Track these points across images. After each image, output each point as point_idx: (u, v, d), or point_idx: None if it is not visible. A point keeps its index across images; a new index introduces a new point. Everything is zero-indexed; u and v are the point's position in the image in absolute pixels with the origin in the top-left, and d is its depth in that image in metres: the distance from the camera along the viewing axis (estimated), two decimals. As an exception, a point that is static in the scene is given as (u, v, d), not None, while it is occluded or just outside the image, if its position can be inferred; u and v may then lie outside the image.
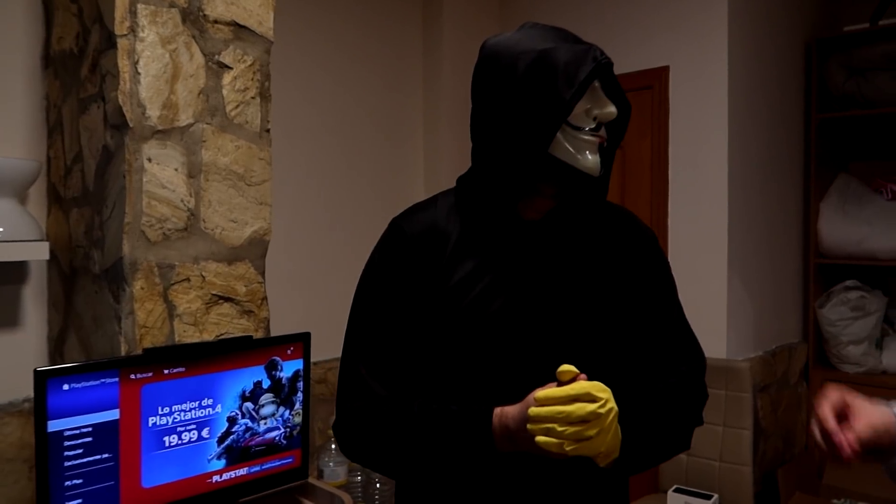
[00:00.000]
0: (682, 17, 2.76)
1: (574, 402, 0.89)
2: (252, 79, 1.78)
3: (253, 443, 1.60)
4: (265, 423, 1.62)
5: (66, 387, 1.30)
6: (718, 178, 2.68)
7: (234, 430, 1.57)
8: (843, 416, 0.85)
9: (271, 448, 1.64)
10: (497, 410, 0.97)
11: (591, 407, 0.88)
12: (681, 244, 2.75)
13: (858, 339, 2.99)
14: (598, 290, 1.07)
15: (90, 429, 1.34)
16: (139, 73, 1.56)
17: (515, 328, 1.03)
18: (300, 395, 1.68)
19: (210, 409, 1.53)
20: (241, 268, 1.75)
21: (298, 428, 1.68)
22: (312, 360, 2.31)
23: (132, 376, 1.40)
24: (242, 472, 1.59)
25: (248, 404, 1.59)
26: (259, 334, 1.77)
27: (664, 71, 2.81)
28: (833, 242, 3.10)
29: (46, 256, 1.67)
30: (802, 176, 3.23)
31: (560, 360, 0.96)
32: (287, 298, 2.48)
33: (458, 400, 1.02)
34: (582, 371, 0.94)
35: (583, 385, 0.90)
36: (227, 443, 1.56)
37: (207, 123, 1.68)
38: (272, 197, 1.83)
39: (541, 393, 0.91)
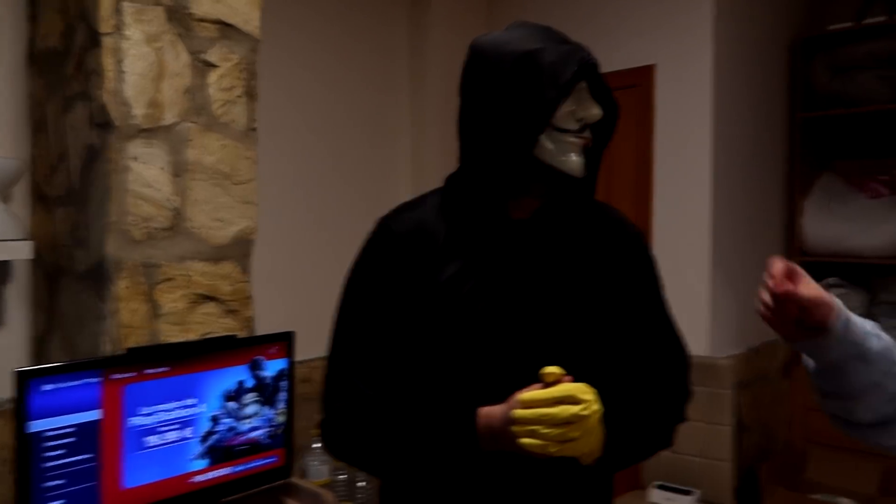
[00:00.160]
0: (667, 16, 2.77)
1: (558, 403, 0.90)
2: (238, 77, 1.78)
3: (236, 442, 1.61)
4: (248, 423, 1.63)
5: (47, 387, 1.30)
6: (702, 177, 2.71)
7: (217, 429, 1.58)
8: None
9: (255, 447, 1.65)
10: (482, 411, 0.98)
11: (575, 409, 0.90)
12: (665, 242, 2.77)
13: (840, 336, 3.02)
14: (585, 289, 1.07)
15: (72, 429, 1.34)
16: (124, 72, 1.56)
17: (502, 327, 1.04)
18: (284, 394, 1.69)
19: (193, 409, 1.53)
20: (226, 267, 1.75)
21: (282, 427, 1.69)
22: (297, 359, 2.31)
23: (114, 376, 1.40)
24: (225, 471, 1.60)
25: (232, 404, 1.59)
26: (244, 334, 1.77)
27: (650, 69, 2.82)
28: (816, 240, 3.13)
29: (30, 256, 1.66)
30: (786, 174, 3.26)
31: (546, 360, 0.97)
32: (272, 298, 2.48)
33: (444, 400, 1.03)
34: (568, 371, 0.95)
35: (567, 387, 0.92)
36: (209, 442, 1.56)
37: (193, 122, 1.68)
38: (258, 196, 1.83)
39: (525, 395, 0.92)
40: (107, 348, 1.54)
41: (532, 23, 1.08)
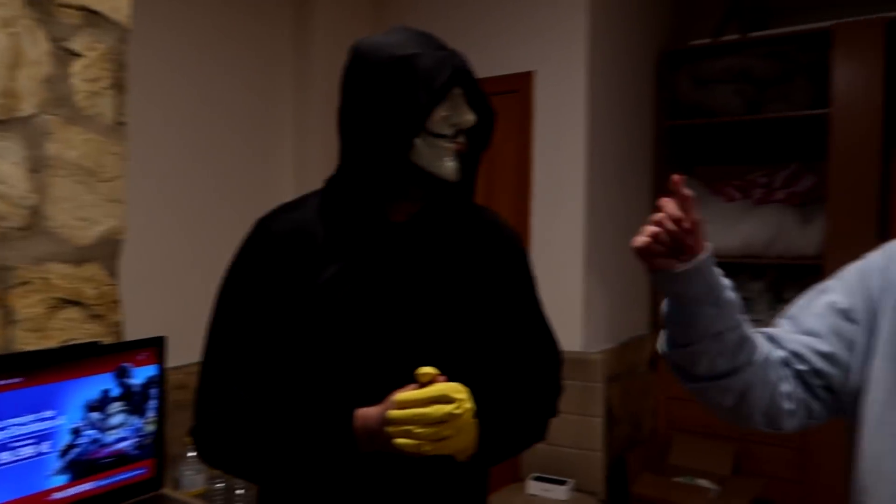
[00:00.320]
0: (546, 26, 2.87)
1: (432, 403, 0.93)
2: (105, 68, 1.68)
3: (100, 455, 1.53)
4: (114, 434, 1.54)
5: None
6: (577, 180, 2.83)
7: (78, 442, 1.48)
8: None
9: (121, 459, 1.56)
10: (359, 412, 0.99)
11: (448, 408, 0.93)
12: (542, 242, 2.88)
13: (700, 329, 3.26)
14: (461, 291, 1.10)
15: None
16: (-29, 58, 1.43)
17: (379, 329, 1.05)
18: (154, 402, 1.62)
19: (51, 422, 1.43)
20: (89, 269, 1.65)
21: (152, 437, 1.62)
22: (173, 364, 2.21)
23: (-39, 390, 1.29)
24: (89, 486, 1.51)
25: (96, 414, 1.51)
26: (111, 340, 1.68)
27: (529, 76, 2.92)
28: (679, 241, 3.35)
29: None
30: (653, 178, 3.47)
31: (422, 360, 0.99)
32: (144, 301, 2.36)
33: (322, 401, 1.03)
34: (443, 371, 0.98)
35: (440, 387, 0.94)
36: (70, 456, 1.47)
37: (53, 114, 1.57)
38: (127, 194, 1.74)
39: (400, 396, 0.94)
40: (-48, 358, 1.41)
41: (412, 28, 1.09)
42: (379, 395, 0.99)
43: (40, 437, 1.42)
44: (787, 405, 0.98)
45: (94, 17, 1.65)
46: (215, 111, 2.74)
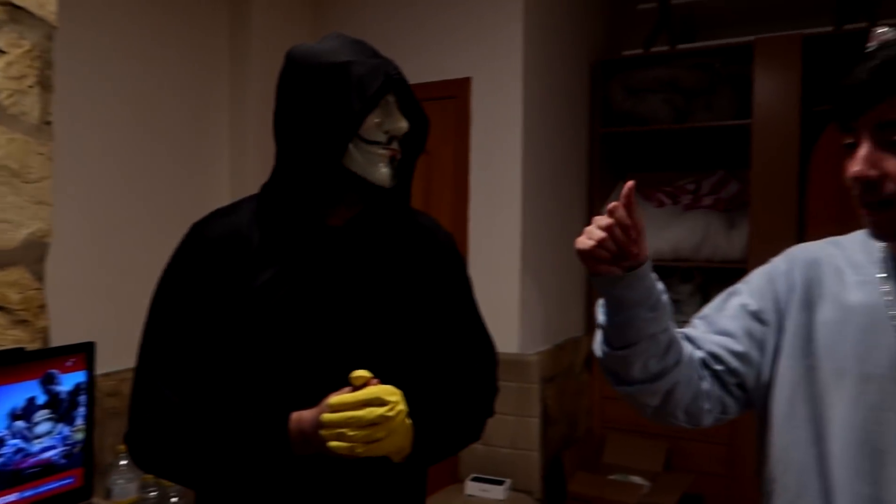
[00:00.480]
0: (483, 34, 2.93)
1: (365, 406, 0.94)
2: (30, 66, 1.63)
3: (25, 465, 1.48)
4: (40, 443, 1.50)
5: None
6: (513, 184, 2.89)
7: (2, 452, 1.44)
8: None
9: (48, 469, 1.52)
10: (294, 415, 1.00)
11: (381, 410, 0.94)
12: (480, 246, 2.92)
13: (632, 330, 3.36)
14: (396, 295, 1.12)
15: None
16: None
17: (315, 332, 1.06)
18: (82, 409, 1.58)
19: (-27, 431, 1.39)
20: (14, 273, 1.60)
21: (80, 445, 1.58)
22: (104, 371, 2.16)
23: None
24: (13, 497, 1.46)
25: (20, 423, 1.46)
26: (36, 346, 1.63)
27: (467, 82, 2.96)
28: (612, 245, 3.45)
29: None
30: (587, 183, 3.56)
31: (357, 363, 1.00)
32: (73, 306, 2.29)
33: (258, 405, 1.03)
34: (377, 374, 0.99)
35: (373, 390, 0.96)
36: (-6, 466, 1.42)
37: (-27, 113, 1.52)
38: (53, 196, 1.69)
39: (333, 399, 0.96)
40: None
41: (346, 35, 1.10)
42: (315, 398, 1.00)
43: (-40, 448, 1.37)
44: (706, 404, 1.03)
45: (18, 13, 1.60)
46: (148, 114, 2.68)
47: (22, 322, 1.61)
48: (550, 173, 3.15)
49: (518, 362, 2.86)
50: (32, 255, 1.64)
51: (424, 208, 2.97)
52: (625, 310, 0.94)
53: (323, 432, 0.95)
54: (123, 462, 2.17)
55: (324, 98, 1.03)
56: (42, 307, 1.66)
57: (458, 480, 2.88)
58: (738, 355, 1.03)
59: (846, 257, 1.00)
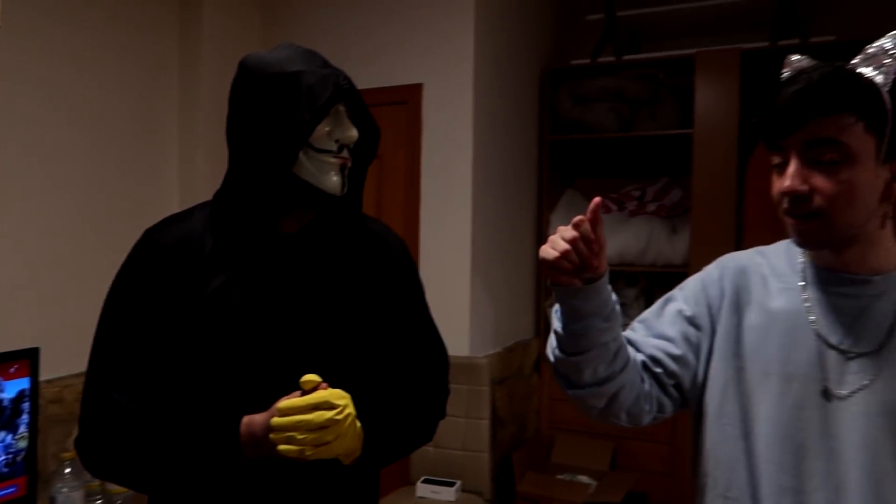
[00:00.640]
0: (435, 41, 2.96)
1: (314, 410, 0.97)
2: (-31, 67, 1.60)
3: (-34, 474, 1.45)
4: (-18, 451, 1.47)
5: None
6: (464, 189, 2.93)
7: (-58, 461, 1.41)
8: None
9: (-10, 477, 1.49)
10: (245, 419, 1.02)
11: (330, 414, 0.97)
12: (430, 250, 2.95)
13: (579, 334, 3.44)
14: (346, 300, 1.14)
15: None
16: None
17: (266, 337, 1.07)
18: (26, 417, 1.55)
19: (-89, 441, 1.35)
20: (-47, 278, 1.57)
21: (23, 454, 1.55)
22: (48, 377, 2.11)
23: None
24: (-47, 507, 1.43)
25: (-39, 432, 1.43)
26: (-24, 352, 1.59)
27: (418, 88, 3.00)
28: (560, 250, 3.53)
29: None
30: (536, 190, 3.63)
31: (308, 368, 1.02)
32: (16, 311, 2.25)
33: (208, 409, 1.04)
34: (327, 378, 1.02)
35: (322, 394, 0.98)
36: (-68, 476, 1.39)
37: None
38: (-6, 199, 1.66)
39: (283, 403, 0.98)
40: None
41: (298, 45, 1.13)
42: (266, 402, 1.02)
43: None
44: (646, 404, 1.09)
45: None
46: (94, 119, 2.62)
47: (-38, 328, 1.58)
48: (500, 179, 3.20)
49: (468, 365, 2.90)
50: (-27, 259, 1.61)
51: (376, 212, 3.00)
52: (580, 319, 0.98)
53: (273, 436, 0.97)
54: (68, 470, 2.13)
55: (274, 107, 1.05)
56: (-17, 313, 1.63)
57: (409, 482, 2.90)
58: (675, 358, 1.09)
59: (770, 266, 1.07)
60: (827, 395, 0.96)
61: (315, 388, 1.00)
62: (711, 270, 1.13)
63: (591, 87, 3.42)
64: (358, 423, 1.02)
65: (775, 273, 1.06)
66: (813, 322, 0.99)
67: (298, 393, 1.00)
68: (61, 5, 2.50)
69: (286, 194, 1.09)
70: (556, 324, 1.02)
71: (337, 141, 1.09)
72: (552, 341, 1.06)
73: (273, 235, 1.11)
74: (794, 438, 0.97)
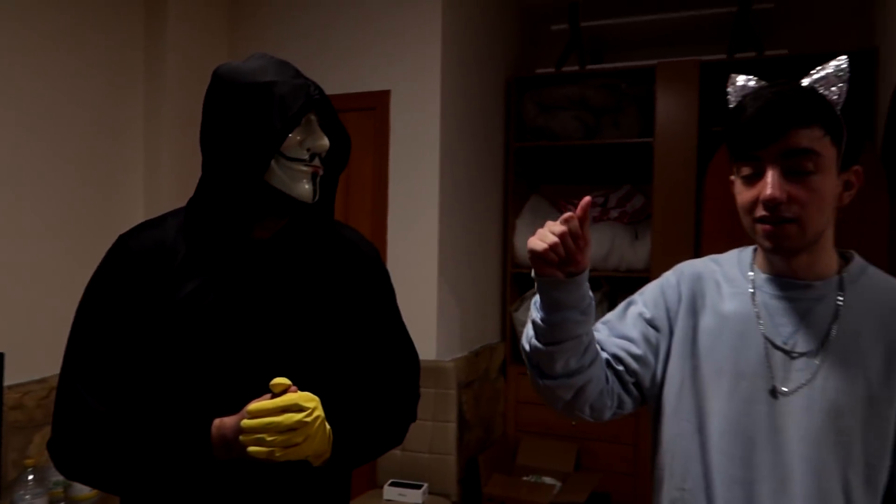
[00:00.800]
0: (403, 49, 3.00)
1: (283, 412, 0.99)
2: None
3: (-70, 480, 1.43)
4: (-54, 458, 1.46)
5: None
6: (431, 196, 2.97)
7: None
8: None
9: (-46, 484, 1.48)
10: (216, 422, 1.03)
11: (299, 416, 0.99)
12: (398, 255, 2.98)
13: (544, 337, 3.50)
14: (317, 306, 1.16)
15: None
16: None
17: (238, 341, 1.09)
18: (-9, 422, 1.54)
19: None
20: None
21: (-11, 459, 1.54)
22: (7, 383, 2.08)
23: None
24: (-84, 514, 1.41)
25: (-75, 438, 1.42)
26: (-62, 358, 1.58)
27: (386, 95, 3.03)
28: (525, 254, 3.58)
29: None
30: (502, 195, 3.69)
31: (277, 372, 1.05)
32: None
33: (180, 412, 1.06)
34: (298, 382, 1.04)
35: (291, 397, 1.01)
36: None
37: None
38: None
39: (253, 405, 1.00)
40: None
41: (271, 56, 1.15)
42: (237, 405, 1.04)
43: None
44: (608, 400, 1.14)
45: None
46: (59, 124, 2.59)
47: (-76, 334, 1.56)
48: (467, 185, 3.25)
49: (435, 369, 2.94)
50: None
51: (344, 218, 3.02)
52: (559, 310, 1.02)
53: (242, 437, 0.99)
54: (31, 477, 2.11)
55: (247, 116, 1.07)
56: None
57: (377, 485, 2.92)
58: (636, 357, 1.14)
59: (723, 273, 1.14)
60: (774, 392, 1.02)
61: (285, 392, 1.02)
62: (669, 276, 1.19)
63: (556, 96, 3.49)
64: (327, 426, 1.05)
65: (727, 279, 1.13)
66: (761, 325, 1.06)
67: (269, 396, 1.02)
68: (25, 11, 2.48)
69: (259, 201, 1.11)
70: (535, 314, 1.07)
71: (308, 150, 1.12)
72: (529, 331, 1.10)
73: (246, 242, 1.13)
74: (745, 432, 1.03)
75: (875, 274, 1.08)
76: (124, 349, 1.07)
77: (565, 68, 3.59)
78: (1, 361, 1.57)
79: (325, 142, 1.13)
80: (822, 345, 1.02)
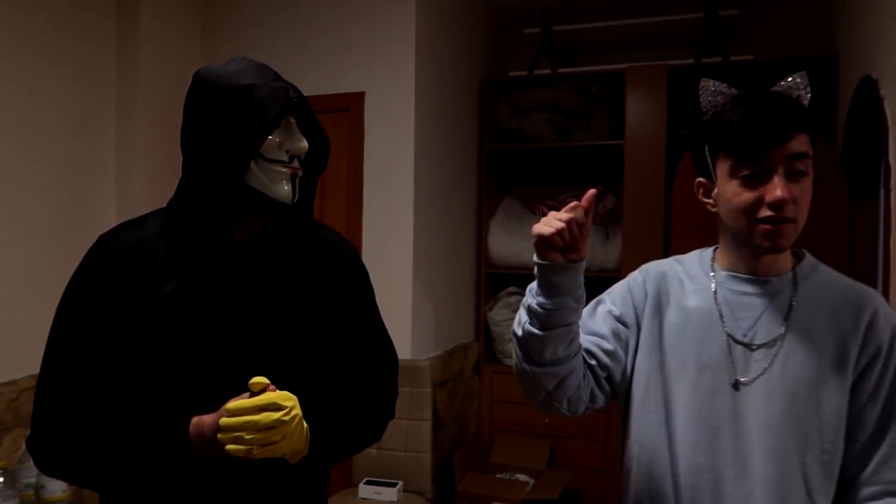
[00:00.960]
0: (377, 51, 3.02)
1: (261, 411, 1.01)
2: None
3: None
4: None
5: None
6: (406, 197, 3.00)
7: None
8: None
9: (-73, 485, 1.47)
10: (194, 420, 1.05)
11: (277, 415, 1.01)
12: (373, 256, 3.00)
13: (517, 337, 3.55)
14: (296, 305, 1.18)
15: None
16: None
17: (217, 340, 1.11)
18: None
19: None
20: None
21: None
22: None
23: None
24: None
25: None
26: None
27: (360, 96, 3.05)
28: (499, 254, 3.64)
29: None
30: (476, 197, 3.73)
31: (256, 371, 1.07)
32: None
33: (158, 410, 1.07)
34: (276, 381, 1.06)
35: (269, 396, 1.03)
36: None
37: None
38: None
39: (231, 404, 1.02)
40: None
41: (251, 59, 1.17)
42: (217, 404, 1.05)
43: None
44: (584, 394, 1.18)
45: None
46: (29, 124, 2.56)
47: None
48: (442, 186, 3.28)
49: (410, 368, 2.96)
50: None
51: (319, 218, 3.01)
52: (556, 296, 1.07)
53: (221, 436, 1.01)
54: (1, 479, 2.09)
55: (226, 118, 1.09)
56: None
57: (352, 484, 2.94)
58: (608, 353, 1.19)
59: (686, 271, 1.20)
60: (736, 384, 1.07)
61: (263, 390, 1.04)
62: (636, 276, 1.25)
63: (529, 98, 3.54)
64: (305, 424, 1.07)
65: (690, 277, 1.18)
66: (722, 319, 1.11)
67: (247, 395, 1.04)
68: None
69: (238, 202, 1.13)
70: (532, 300, 1.10)
71: (287, 152, 1.14)
72: (522, 317, 1.14)
73: (226, 242, 1.15)
74: (708, 421, 1.08)
75: (825, 271, 1.15)
76: (104, 348, 1.08)
77: (538, 71, 3.64)
78: (-26, 362, 1.56)
79: (304, 144, 1.15)
80: (779, 336, 1.08)
